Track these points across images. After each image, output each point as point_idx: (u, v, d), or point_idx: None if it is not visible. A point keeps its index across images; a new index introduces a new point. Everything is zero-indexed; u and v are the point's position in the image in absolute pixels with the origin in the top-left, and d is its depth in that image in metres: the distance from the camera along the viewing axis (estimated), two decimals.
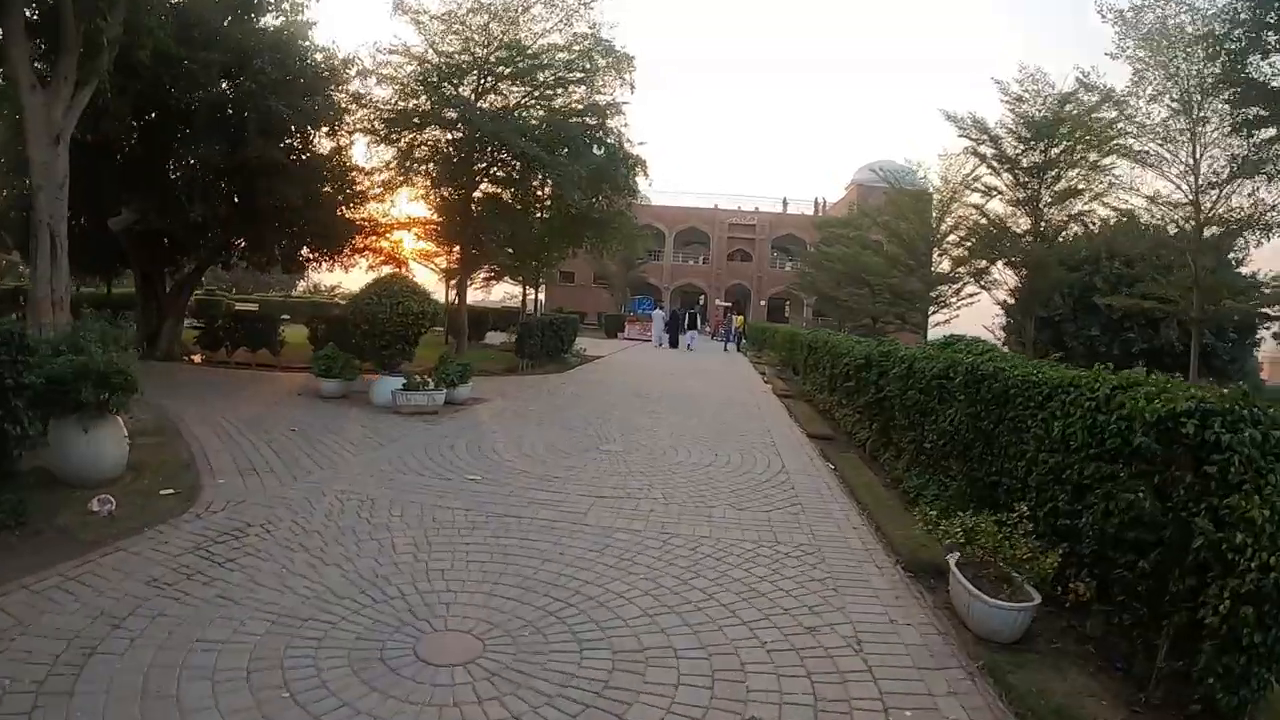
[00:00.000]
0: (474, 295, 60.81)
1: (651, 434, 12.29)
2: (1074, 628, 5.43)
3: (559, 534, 6.72)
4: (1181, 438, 4.40)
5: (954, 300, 32.13)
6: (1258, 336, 33.03)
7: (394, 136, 20.02)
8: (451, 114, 18.85)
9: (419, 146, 20.52)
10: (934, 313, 32.47)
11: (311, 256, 21.42)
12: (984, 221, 25.94)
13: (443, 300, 25.05)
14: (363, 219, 21.49)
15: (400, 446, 10.15)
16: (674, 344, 42.18)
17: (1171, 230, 23.19)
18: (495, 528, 6.80)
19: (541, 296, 71.57)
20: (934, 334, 33.08)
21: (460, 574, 5.63)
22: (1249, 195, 19.43)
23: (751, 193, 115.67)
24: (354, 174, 20.30)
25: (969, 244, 27.97)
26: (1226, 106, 18.69)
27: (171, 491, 7.19)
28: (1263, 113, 17.66)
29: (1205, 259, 20.69)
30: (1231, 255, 28.09)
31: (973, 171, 29.21)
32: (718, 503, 8.21)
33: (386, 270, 23.39)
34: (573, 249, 26.99)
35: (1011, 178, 24.29)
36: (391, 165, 20.66)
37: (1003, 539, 5.53)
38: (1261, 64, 17.59)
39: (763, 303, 71.62)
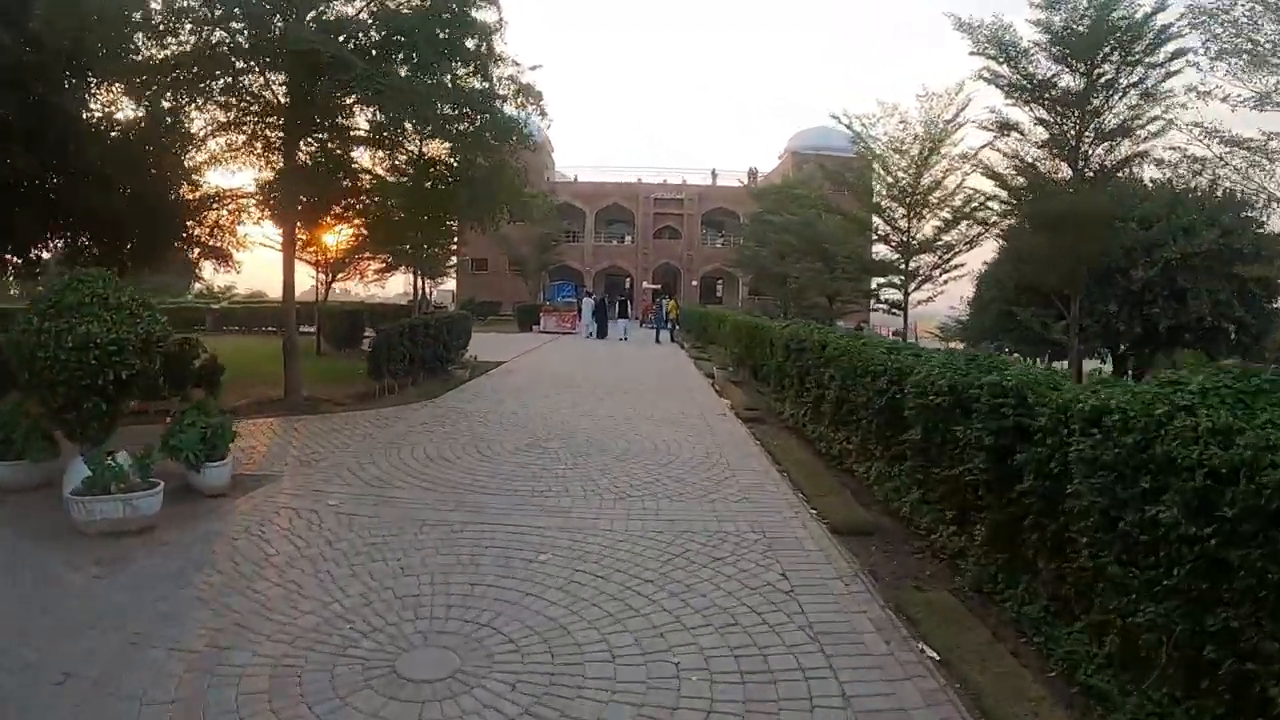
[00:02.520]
0: (379, 291, 53.82)
1: (537, 588, 5.74)
2: None
3: None
4: None
5: (937, 274, 26.24)
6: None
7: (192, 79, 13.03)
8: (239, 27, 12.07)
9: (234, 92, 13.69)
10: (914, 289, 26.53)
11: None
12: (1008, 168, 19.99)
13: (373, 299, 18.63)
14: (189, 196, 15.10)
15: None
16: (602, 334, 37.22)
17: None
18: None
19: (452, 286, 65.03)
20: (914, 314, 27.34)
21: None
22: None
23: (677, 165, 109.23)
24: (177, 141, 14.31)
25: (979, 200, 22.20)
26: None
27: None
28: None
29: None
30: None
31: (958, 116, 23.50)
32: None
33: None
34: (451, 223, 20.21)
35: (1043, 109, 18.46)
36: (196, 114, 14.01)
37: None
38: None
39: (694, 283, 65.59)
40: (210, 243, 16.21)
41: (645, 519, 7.39)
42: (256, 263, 77.28)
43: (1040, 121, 18.97)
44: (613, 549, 6.51)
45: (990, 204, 21.71)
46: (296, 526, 7.06)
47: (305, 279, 31.35)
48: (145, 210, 13.89)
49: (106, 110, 13.70)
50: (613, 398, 15.96)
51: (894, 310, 26.97)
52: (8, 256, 15.20)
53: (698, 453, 10.51)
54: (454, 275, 60.11)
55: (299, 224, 17.10)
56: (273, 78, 13.04)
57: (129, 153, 13.62)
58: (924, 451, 7.05)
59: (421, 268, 33.43)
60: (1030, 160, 19.36)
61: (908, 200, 25.03)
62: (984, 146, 21.31)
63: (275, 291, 55.68)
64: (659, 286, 58.51)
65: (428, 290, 51.88)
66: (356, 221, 18.90)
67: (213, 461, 8.14)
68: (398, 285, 76.66)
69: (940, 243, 24.98)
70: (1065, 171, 18.58)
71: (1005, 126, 19.63)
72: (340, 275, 36.16)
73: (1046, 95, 18.27)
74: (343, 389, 15.71)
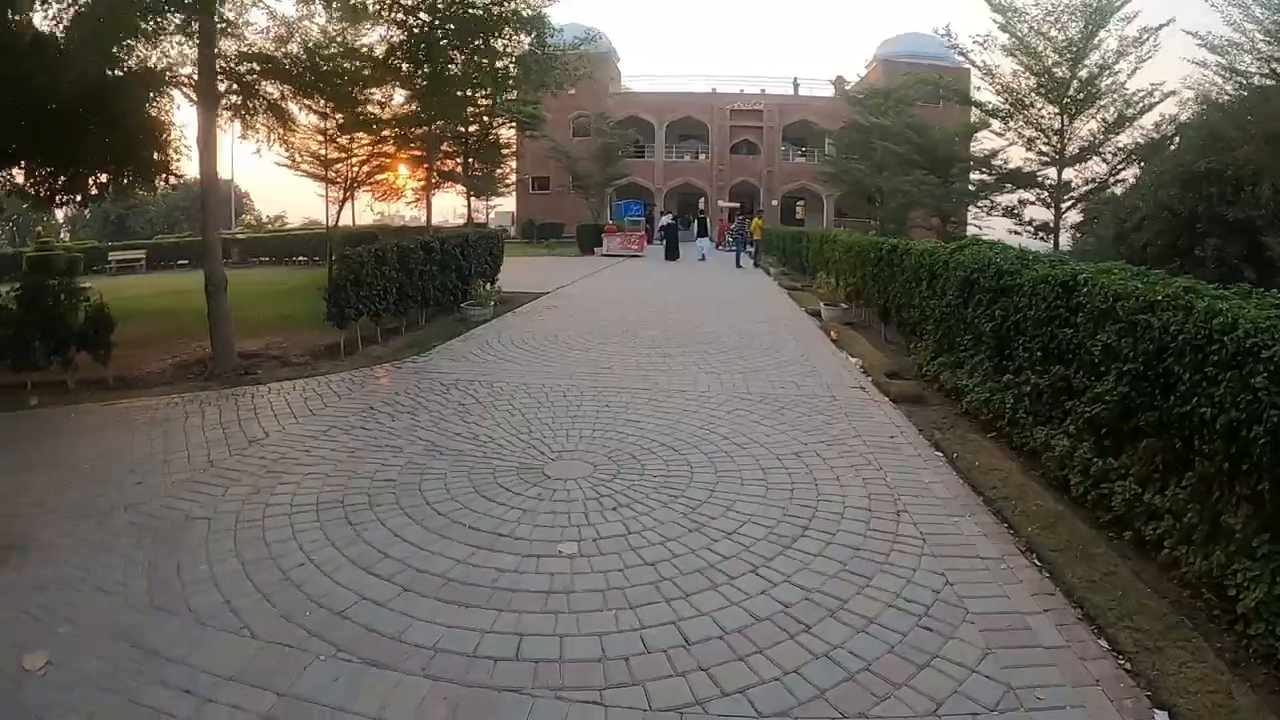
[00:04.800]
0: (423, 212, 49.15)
1: None
2: None
3: None
4: None
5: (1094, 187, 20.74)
6: None
7: None
8: None
9: None
10: (1069, 207, 20.95)
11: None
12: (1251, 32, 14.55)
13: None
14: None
15: None
16: (673, 255, 33.55)
17: None
18: None
19: (511, 207, 60.46)
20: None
21: None
22: None
23: (753, 74, 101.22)
24: None
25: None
26: None
27: None
28: None
29: None
30: None
31: None
32: None
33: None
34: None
35: None
36: None
37: None
38: None
39: (774, 202, 59.59)
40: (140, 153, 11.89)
41: None
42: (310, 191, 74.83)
43: None
44: None
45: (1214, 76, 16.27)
46: None
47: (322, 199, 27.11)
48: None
49: None
50: (684, 354, 10.84)
51: (1041, 235, 21.46)
52: None
53: (851, 495, 5.44)
54: (513, 196, 55.72)
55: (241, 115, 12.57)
56: None
57: None
58: None
59: (469, 185, 28.91)
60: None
61: (1062, 95, 19.50)
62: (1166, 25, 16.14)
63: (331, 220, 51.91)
64: (738, 205, 53.00)
65: (485, 211, 47.44)
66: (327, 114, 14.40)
67: None
68: (455, 205, 72.44)
69: (1111, 147, 19.48)
70: None
71: None
72: (378, 196, 31.73)
73: None
74: (316, 338, 11.50)
